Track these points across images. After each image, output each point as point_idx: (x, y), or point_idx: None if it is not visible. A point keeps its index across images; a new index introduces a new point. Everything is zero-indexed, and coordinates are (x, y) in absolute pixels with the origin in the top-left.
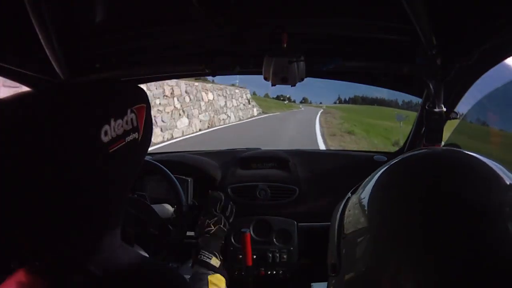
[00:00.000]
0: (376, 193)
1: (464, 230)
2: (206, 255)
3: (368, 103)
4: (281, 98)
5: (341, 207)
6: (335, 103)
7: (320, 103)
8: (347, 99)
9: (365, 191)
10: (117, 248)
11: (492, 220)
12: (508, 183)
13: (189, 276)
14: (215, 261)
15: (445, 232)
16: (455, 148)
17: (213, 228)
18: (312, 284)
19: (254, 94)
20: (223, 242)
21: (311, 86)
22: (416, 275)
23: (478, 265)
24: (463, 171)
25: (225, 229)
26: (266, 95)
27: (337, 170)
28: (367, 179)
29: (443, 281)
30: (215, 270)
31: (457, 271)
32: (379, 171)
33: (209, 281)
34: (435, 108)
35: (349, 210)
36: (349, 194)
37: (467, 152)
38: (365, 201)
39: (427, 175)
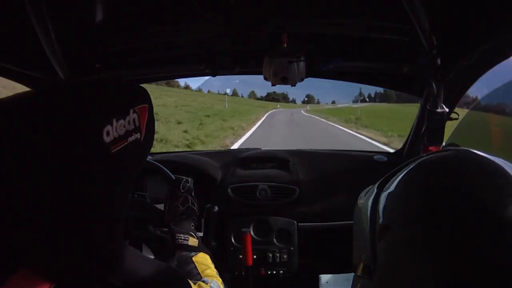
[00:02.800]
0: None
1: (486, 238)
2: (182, 238)
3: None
4: (272, 97)
5: (370, 204)
6: (356, 101)
7: (333, 102)
8: (372, 95)
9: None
10: (118, 247)
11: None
12: None
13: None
14: (193, 241)
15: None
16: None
17: (181, 207)
18: (320, 276)
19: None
20: (195, 219)
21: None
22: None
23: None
24: (484, 176)
25: (195, 207)
26: (252, 93)
27: (337, 170)
28: (397, 174)
29: None
30: (195, 250)
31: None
32: (414, 169)
33: (194, 262)
34: (436, 108)
35: (386, 209)
36: (375, 189)
37: (483, 154)
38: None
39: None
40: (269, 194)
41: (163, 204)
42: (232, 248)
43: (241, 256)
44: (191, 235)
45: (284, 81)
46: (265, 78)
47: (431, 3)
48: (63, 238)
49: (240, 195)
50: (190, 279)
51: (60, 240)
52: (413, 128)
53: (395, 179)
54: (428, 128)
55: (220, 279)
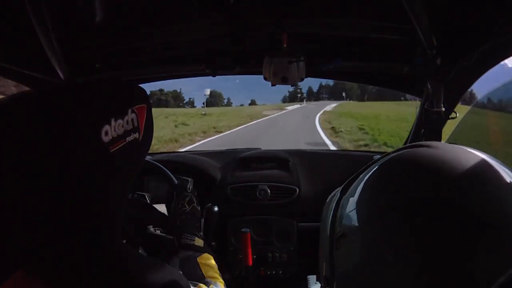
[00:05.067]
0: (366, 198)
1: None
2: (189, 238)
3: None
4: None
5: (332, 209)
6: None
7: (348, 99)
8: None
9: (360, 195)
10: (118, 248)
11: (469, 219)
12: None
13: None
14: (199, 241)
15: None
16: (433, 143)
17: (187, 207)
18: (308, 276)
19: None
20: (200, 219)
21: None
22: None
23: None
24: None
25: (199, 208)
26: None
27: (337, 170)
28: (356, 180)
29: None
30: (200, 250)
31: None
32: (368, 172)
33: (198, 263)
34: (434, 108)
35: (342, 216)
36: (338, 193)
37: (446, 147)
38: (360, 207)
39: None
40: (269, 194)
41: (163, 204)
42: (232, 248)
43: (241, 256)
44: (197, 236)
45: (284, 81)
46: (265, 78)
47: (431, 3)
48: (61, 238)
49: (240, 195)
50: (193, 280)
51: (58, 240)
52: (413, 128)
53: (358, 183)
54: (426, 127)
55: (223, 282)
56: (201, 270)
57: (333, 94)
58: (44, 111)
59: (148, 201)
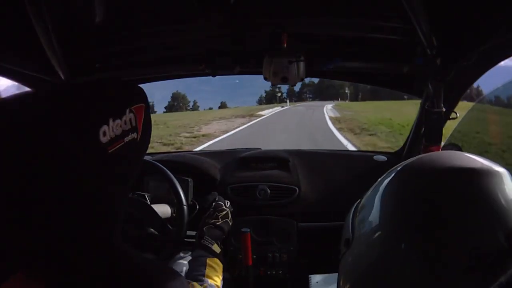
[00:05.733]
0: (385, 197)
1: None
2: (209, 241)
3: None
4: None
5: (357, 203)
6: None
7: (339, 99)
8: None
9: (380, 188)
10: (117, 248)
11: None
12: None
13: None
14: (216, 248)
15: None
16: (454, 152)
17: (220, 221)
18: (309, 276)
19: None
20: (224, 236)
21: None
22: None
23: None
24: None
25: (230, 224)
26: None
27: (337, 170)
28: (385, 175)
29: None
30: (214, 254)
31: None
32: (395, 169)
33: (207, 263)
34: (434, 108)
35: (364, 201)
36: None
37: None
38: (377, 197)
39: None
40: (269, 194)
41: (163, 204)
42: (232, 248)
43: (241, 256)
44: (217, 243)
45: (284, 81)
46: (265, 78)
47: (431, 3)
48: (60, 239)
49: (240, 195)
50: (192, 275)
51: (57, 241)
52: (413, 128)
53: (379, 184)
54: (426, 127)
55: (220, 286)
56: (205, 269)
57: (318, 94)
58: (44, 111)
59: (148, 201)
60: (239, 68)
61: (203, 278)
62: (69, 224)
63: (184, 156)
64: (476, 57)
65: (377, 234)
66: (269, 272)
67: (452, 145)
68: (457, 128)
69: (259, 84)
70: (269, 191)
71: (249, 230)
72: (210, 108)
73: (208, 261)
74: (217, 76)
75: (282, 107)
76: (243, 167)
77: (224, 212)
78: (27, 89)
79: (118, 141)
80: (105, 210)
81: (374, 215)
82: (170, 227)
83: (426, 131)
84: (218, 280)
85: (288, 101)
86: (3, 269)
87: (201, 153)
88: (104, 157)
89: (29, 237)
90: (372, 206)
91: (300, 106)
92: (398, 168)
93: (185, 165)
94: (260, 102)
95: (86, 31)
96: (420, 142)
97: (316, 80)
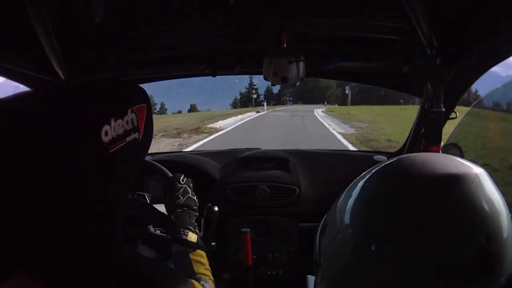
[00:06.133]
0: (359, 198)
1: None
2: (182, 232)
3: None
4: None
5: (325, 216)
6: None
7: (325, 103)
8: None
9: (351, 194)
10: (117, 248)
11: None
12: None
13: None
14: (192, 236)
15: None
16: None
17: (182, 198)
18: (308, 276)
19: None
20: (196, 214)
21: None
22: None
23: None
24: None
25: (195, 199)
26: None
27: (337, 170)
28: (351, 184)
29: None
30: (193, 246)
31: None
32: (364, 176)
33: (191, 259)
34: (434, 108)
35: (331, 214)
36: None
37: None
38: (349, 202)
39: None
40: (269, 194)
41: (163, 205)
42: (232, 248)
43: (241, 256)
44: (191, 230)
45: (284, 81)
46: (265, 78)
47: (431, 3)
48: (60, 239)
49: (240, 195)
50: (182, 275)
51: (57, 241)
52: (413, 128)
53: (354, 186)
54: (426, 128)
55: (212, 278)
56: (192, 266)
57: (300, 96)
58: (44, 111)
59: (148, 201)
60: (239, 68)
61: (196, 276)
62: (69, 224)
63: (184, 156)
64: (476, 57)
65: (347, 235)
66: (269, 272)
67: (452, 145)
68: (456, 128)
69: (240, 86)
70: (269, 191)
71: (249, 230)
72: (179, 112)
73: (192, 256)
74: (197, 79)
75: (258, 112)
76: (243, 167)
77: (182, 189)
78: (27, 89)
79: (119, 141)
80: (105, 209)
81: (345, 219)
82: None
83: (426, 131)
84: (208, 272)
85: (265, 104)
86: (3, 269)
87: (201, 153)
88: (105, 157)
89: (29, 237)
90: (343, 213)
91: (280, 111)
92: (375, 170)
93: (185, 165)
94: (235, 105)
95: (86, 31)
96: (420, 142)
97: None
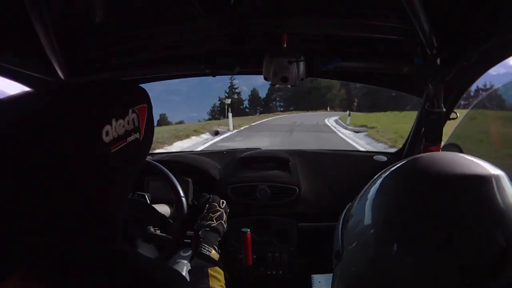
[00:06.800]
0: (378, 198)
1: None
2: (206, 248)
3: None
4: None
5: (348, 206)
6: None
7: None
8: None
9: (369, 194)
10: (117, 248)
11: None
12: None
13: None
14: (215, 254)
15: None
16: (444, 153)
17: (215, 222)
18: (312, 276)
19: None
20: (220, 238)
21: None
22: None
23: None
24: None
25: (225, 226)
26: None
27: (337, 170)
28: (371, 182)
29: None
30: (214, 263)
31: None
32: (381, 175)
33: (209, 273)
34: (434, 108)
35: (352, 208)
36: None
37: (449, 154)
38: (368, 203)
39: (416, 184)
40: (269, 194)
41: (163, 204)
42: (232, 248)
43: (241, 256)
44: (214, 249)
45: (284, 81)
46: (265, 78)
47: (431, 3)
48: (60, 239)
49: (240, 195)
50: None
51: (58, 240)
52: (413, 128)
53: (371, 185)
54: (426, 128)
55: None
56: (209, 280)
57: (292, 101)
58: (44, 111)
59: (148, 201)
60: (239, 68)
61: None
62: (70, 223)
63: (184, 156)
64: (476, 57)
65: (369, 235)
66: (269, 272)
67: (452, 145)
68: (457, 129)
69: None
70: (269, 191)
71: (249, 230)
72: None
73: (210, 271)
74: (187, 87)
75: (217, 134)
76: (243, 167)
77: (219, 213)
78: (27, 89)
79: (120, 141)
80: (106, 209)
81: (366, 219)
82: (171, 221)
83: (426, 131)
84: None
85: (230, 116)
86: (3, 269)
87: (201, 153)
88: (106, 157)
89: (29, 237)
90: (364, 211)
91: (266, 127)
92: (393, 169)
93: (185, 165)
94: (213, 113)
95: (86, 31)
96: (420, 142)
97: None
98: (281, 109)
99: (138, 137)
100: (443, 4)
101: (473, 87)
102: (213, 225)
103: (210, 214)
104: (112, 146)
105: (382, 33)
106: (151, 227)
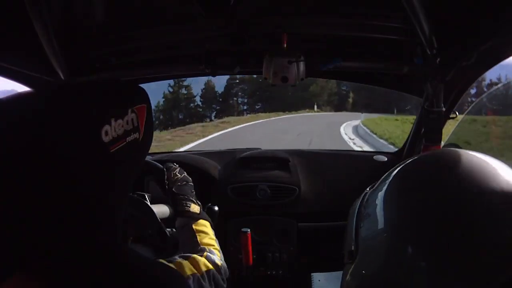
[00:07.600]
0: (392, 195)
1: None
2: (184, 204)
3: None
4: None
5: (359, 202)
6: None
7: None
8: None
9: (382, 191)
10: (117, 248)
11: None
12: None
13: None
14: (195, 207)
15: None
16: (455, 149)
17: (179, 175)
18: (312, 274)
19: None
20: (193, 187)
21: None
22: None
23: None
24: (464, 171)
25: (189, 177)
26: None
27: (337, 170)
28: (384, 177)
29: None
30: (196, 216)
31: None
32: (393, 171)
33: (194, 229)
34: (434, 108)
35: (367, 206)
36: (367, 189)
37: (466, 152)
38: (382, 200)
39: (437, 180)
40: (269, 194)
41: (163, 204)
42: (232, 248)
43: (241, 256)
44: (193, 202)
45: (284, 81)
46: (265, 78)
47: (431, 4)
48: (61, 238)
49: (240, 195)
50: (188, 247)
51: (58, 240)
52: (413, 128)
53: (384, 180)
54: (426, 127)
55: (218, 248)
56: (196, 237)
57: (261, 97)
58: (44, 111)
59: (148, 201)
60: (239, 68)
61: (200, 247)
62: (69, 223)
63: (184, 156)
64: (476, 57)
65: (382, 237)
66: (269, 272)
67: (452, 145)
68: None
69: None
70: (269, 191)
71: (249, 230)
72: None
73: (194, 226)
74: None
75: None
76: (243, 167)
77: (178, 169)
78: (27, 89)
79: (120, 141)
80: (105, 209)
81: (380, 220)
82: (167, 232)
83: (426, 131)
84: (213, 241)
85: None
86: (2, 269)
87: (201, 153)
88: (106, 157)
89: (29, 237)
90: (379, 210)
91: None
92: (407, 168)
93: (185, 165)
94: (157, 117)
95: (86, 31)
96: (420, 142)
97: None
98: (245, 107)
99: (138, 137)
100: (443, 4)
101: (486, 81)
102: (179, 178)
103: (172, 172)
104: (112, 146)
105: (382, 33)
106: (149, 228)
